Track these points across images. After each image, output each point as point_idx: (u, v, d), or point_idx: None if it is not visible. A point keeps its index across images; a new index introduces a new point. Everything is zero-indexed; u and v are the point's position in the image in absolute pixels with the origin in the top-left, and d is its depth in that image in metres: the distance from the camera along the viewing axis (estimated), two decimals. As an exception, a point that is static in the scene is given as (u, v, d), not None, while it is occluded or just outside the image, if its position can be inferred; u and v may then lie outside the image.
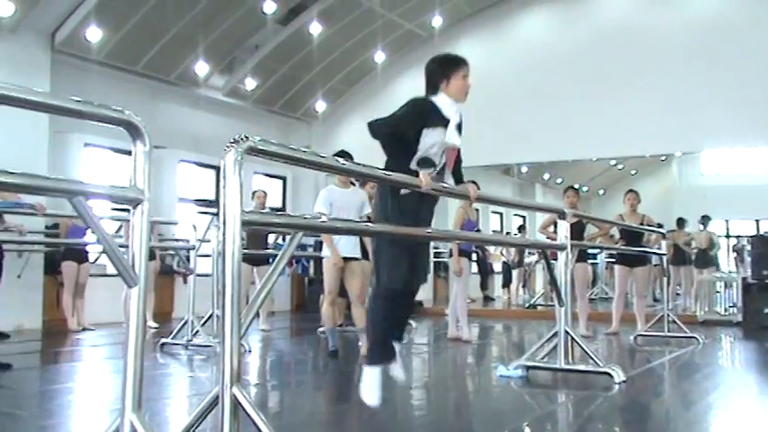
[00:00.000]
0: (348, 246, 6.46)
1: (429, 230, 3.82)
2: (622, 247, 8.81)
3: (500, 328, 10.11)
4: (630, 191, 8.89)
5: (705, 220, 13.02)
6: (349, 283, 6.56)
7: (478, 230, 9.35)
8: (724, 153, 19.17)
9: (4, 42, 9.12)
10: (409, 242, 3.68)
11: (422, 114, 3.57)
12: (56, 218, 8.58)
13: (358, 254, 6.57)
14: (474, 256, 11.54)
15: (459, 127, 3.74)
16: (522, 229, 16.56)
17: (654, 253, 9.00)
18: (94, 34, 9.91)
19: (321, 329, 7.79)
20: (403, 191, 3.58)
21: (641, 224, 8.46)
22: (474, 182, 6.97)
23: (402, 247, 3.64)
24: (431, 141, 3.60)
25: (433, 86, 3.69)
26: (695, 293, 12.67)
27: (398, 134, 3.56)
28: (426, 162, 3.56)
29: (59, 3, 9.45)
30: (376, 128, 3.58)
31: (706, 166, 21.91)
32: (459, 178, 3.98)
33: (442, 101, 3.63)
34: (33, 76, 9.22)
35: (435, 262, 16.27)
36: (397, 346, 3.76)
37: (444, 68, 3.68)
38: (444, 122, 3.63)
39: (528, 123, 12.53)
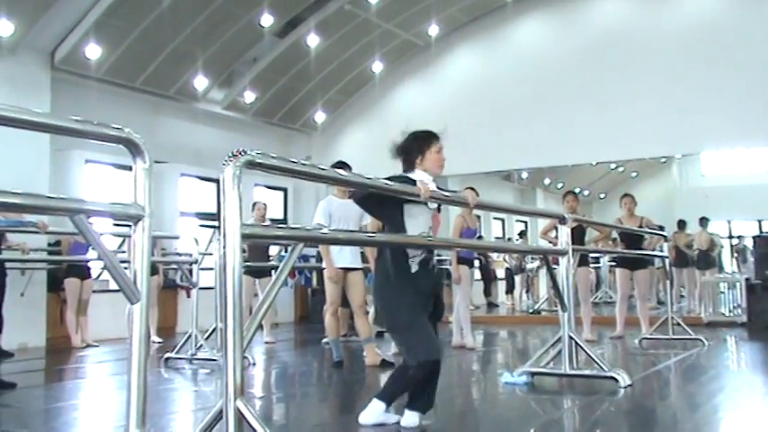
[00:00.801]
0: (348, 256, 6.47)
1: (430, 238, 3.83)
2: (624, 251, 8.81)
3: (504, 334, 10.09)
4: (626, 195, 8.91)
5: (704, 221, 13.02)
6: (350, 293, 6.57)
7: (480, 237, 9.32)
8: (724, 154, 19.18)
9: (4, 62, 9.16)
10: (423, 301, 3.70)
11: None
12: (58, 235, 8.59)
13: (359, 264, 6.58)
14: (477, 263, 11.49)
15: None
16: (522, 234, 16.53)
17: (655, 255, 9.00)
18: (94, 51, 9.96)
19: (325, 340, 7.79)
20: (413, 268, 3.65)
21: (640, 227, 8.47)
22: (473, 188, 6.98)
23: (422, 314, 3.66)
24: (416, 216, 3.71)
25: (409, 163, 3.80)
26: (698, 295, 12.67)
27: (375, 202, 3.70)
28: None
29: (58, 21, 9.50)
30: (360, 200, 3.72)
31: (707, 168, 21.91)
32: None
33: (419, 176, 3.71)
34: (34, 94, 9.27)
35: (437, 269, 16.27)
36: (419, 417, 3.78)
37: (419, 145, 3.79)
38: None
39: (527, 129, 12.55)
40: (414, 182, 3.60)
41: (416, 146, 3.79)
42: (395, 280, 3.63)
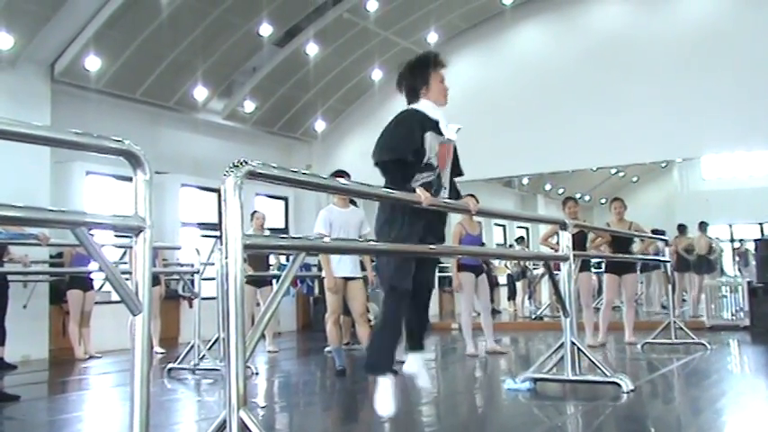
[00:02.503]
0: (348, 265, 6.48)
1: (432, 247, 3.84)
2: (628, 256, 8.80)
3: (507, 340, 10.07)
4: (616, 199, 8.92)
5: (703, 225, 13.03)
6: (351, 302, 6.57)
7: (483, 245, 9.22)
8: (725, 158, 19.18)
9: (4, 75, 9.20)
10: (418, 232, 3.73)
11: (420, 121, 3.65)
12: (60, 247, 8.60)
13: (358, 273, 6.59)
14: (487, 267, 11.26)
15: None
16: (521, 240, 16.48)
17: (657, 260, 9.00)
18: (93, 63, 9.99)
19: (327, 349, 7.79)
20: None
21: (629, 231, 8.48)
22: (473, 195, 6.99)
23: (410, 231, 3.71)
24: (428, 145, 3.69)
25: (413, 95, 3.77)
26: (696, 298, 12.68)
27: (403, 157, 3.62)
28: (426, 185, 3.65)
29: (58, 34, 9.53)
30: (384, 164, 3.68)
31: (707, 171, 21.92)
32: (456, 193, 4.02)
33: (425, 106, 3.69)
34: (34, 107, 9.29)
35: (440, 277, 16.28)
36: (420, 358, 3.82)
37: (421, 74, 3.78)
38: (433, 125, 3.72)
39: (527, 135, 12.56)
40: (413, 190, 3.61)
41: (420, 77, 3.78)
42: (391, 213, 3.70)
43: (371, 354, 3.84)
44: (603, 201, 22.54)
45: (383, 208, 3.79)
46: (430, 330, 3.86)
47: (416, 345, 3.92)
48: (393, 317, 3.73)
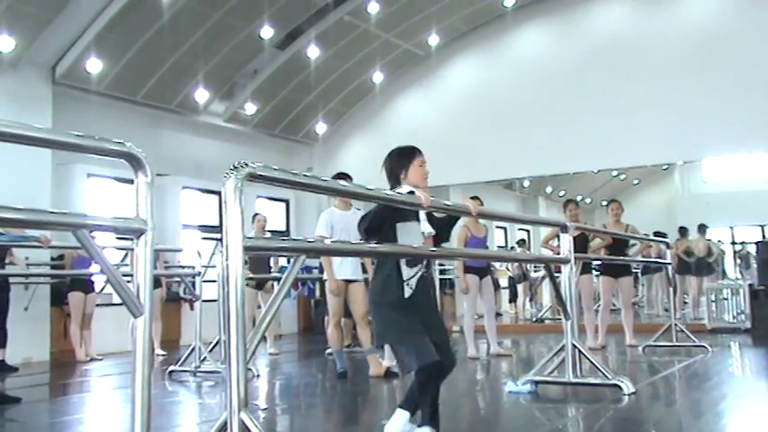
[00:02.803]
0: (349, 268, 6.48)
1: (432, 249, 3.83)
2: (628, 258, 8.80)
3: (508, 343, 10.06)
4: (613, 201, 8.91)
5: (702, 228, 13.03)
6: (352, 304, 6.57)
7: (487, 247, 9.12)
8: (726, 160, 19.17)
9: (6, 78, 9.21)
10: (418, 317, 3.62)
11: (393, 210, 3.63)
12: (61, 249, 8.61)
13: (360, 275, 6.58)
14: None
15: (428, 215, 3.83)
16: (522, 243, 16.48)
17: (658, 263, 8.99)
18: (94, 66, 10.01)
19: (329, 351, 7.78)
20: (407, 293, 3.59)
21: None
22: (477, 197, 6.98)
23: (410, 319, 3.57)
24: (407, 234, 3.67)
25: (395, 180, 3.81)
26: (696, 301, 12.67)
27: (375, 228, 3.65)
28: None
29: (59, 36, 9.55)
30: (363, 229, 3.65)
31: (708, 174, 21.92)
32: None
33: (405, 191, 3.72)
34: (35, 109, 9.31)
35: (441, 279, 16.27)
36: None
37: (401, 161, 3.82)
38: (414, 214, 3.73)
39: (528, 137, 12.56)
40: (412, 192, 3.60)
41: (399, 162, 3.82)
42: (388, 306, 3.61)
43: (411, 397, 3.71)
44: (605, 203, 22.50)
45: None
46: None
47: (434, 421, 3.71)
48: (421, 387, 3.58)
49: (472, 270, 7.83)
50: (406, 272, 3.62)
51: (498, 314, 16.01)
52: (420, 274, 3.65)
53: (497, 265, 15.56)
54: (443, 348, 3.64)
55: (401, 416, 3.67)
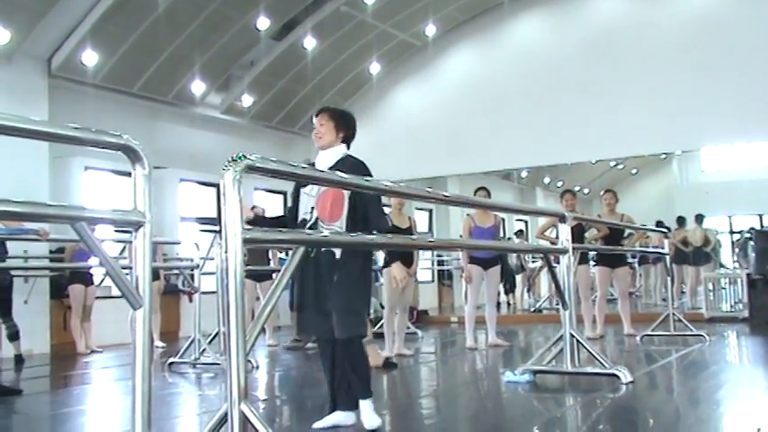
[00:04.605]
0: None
1: (431, 240, 3.85)
2: (626, 248, 8.81)
3: (506, 333, 10.09)
4: (607, 191, 8.92)
5: (699, 217, 13.05)
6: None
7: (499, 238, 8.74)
8: (724, 149, 19.17)
9: (1, 70, 9.18)
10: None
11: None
12: (60, 242, 8.61)
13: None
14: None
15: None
16: (520, 233, 16.49)
17: (656, 252, 9.01)
18: (90, 58, 9.98)
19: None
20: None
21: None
22: (485, 188, 6.97)
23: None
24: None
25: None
26: (693, 290, 12.70)
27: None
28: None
29: (54, 28, 9.51)
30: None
31: (707, 163, 21.92)
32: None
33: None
34: (31, 102, 9.28)
35: (439, 270, 16.30)
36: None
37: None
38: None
39: (526, 128, 12.56)
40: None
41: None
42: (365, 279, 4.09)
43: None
44: (603, 193, 22.54)
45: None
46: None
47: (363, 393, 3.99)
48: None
49: (476, 261, 7.71)
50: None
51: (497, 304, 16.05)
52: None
53: (530, 263, 15.22)
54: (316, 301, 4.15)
55: (368, 405, 3.91)
